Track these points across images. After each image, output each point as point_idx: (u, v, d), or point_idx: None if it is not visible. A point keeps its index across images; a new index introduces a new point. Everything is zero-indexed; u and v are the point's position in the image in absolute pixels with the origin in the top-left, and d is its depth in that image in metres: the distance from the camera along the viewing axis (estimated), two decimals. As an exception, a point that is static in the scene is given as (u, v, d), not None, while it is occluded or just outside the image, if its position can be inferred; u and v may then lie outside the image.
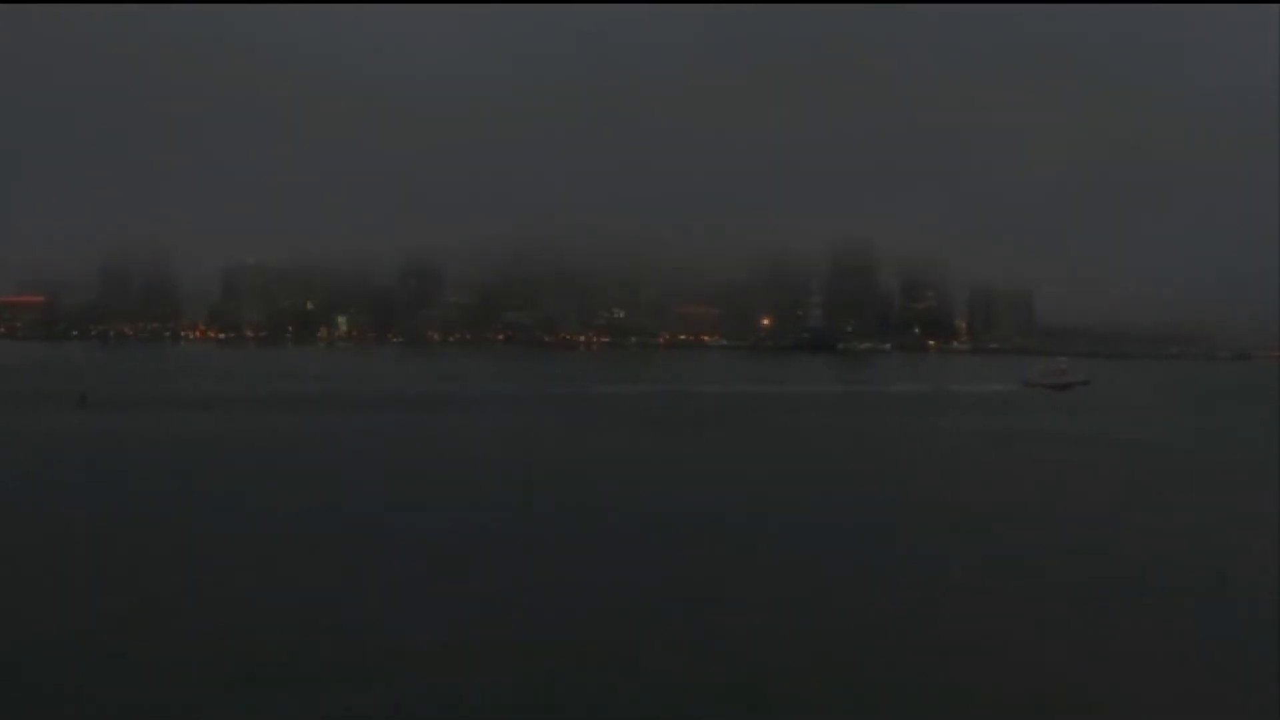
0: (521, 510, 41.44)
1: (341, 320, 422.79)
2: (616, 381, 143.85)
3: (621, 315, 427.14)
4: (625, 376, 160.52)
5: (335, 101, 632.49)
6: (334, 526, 37.59)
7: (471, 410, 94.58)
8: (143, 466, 52.50)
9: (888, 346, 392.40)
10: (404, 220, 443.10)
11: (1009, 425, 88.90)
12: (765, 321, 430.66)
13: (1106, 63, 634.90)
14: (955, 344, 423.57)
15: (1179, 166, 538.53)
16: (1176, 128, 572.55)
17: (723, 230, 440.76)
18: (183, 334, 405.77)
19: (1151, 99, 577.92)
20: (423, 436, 70.95)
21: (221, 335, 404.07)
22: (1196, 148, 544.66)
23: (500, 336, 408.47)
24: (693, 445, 68.65)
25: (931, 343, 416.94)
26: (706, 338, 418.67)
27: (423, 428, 77.58)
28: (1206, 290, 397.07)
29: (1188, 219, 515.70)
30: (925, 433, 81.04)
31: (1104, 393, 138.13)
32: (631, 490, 47.11)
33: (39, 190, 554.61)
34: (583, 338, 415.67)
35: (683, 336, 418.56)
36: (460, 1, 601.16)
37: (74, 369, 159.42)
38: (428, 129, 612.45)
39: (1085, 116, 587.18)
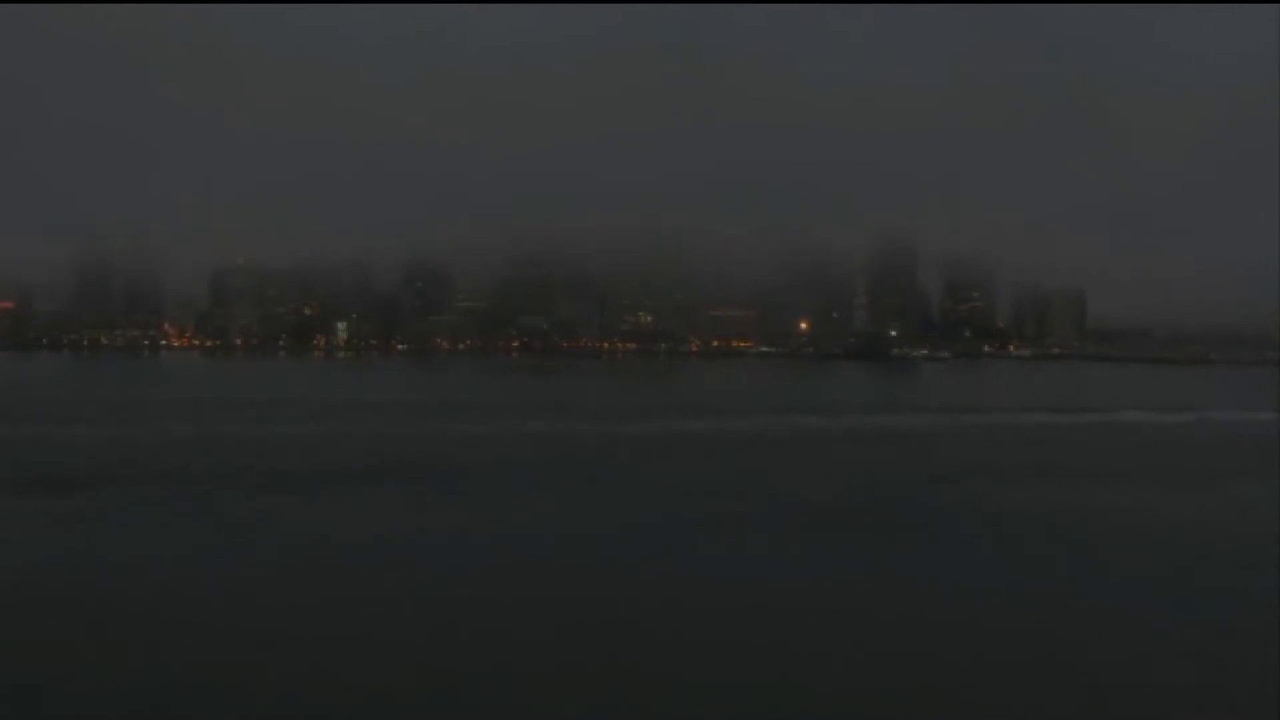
0: None
1: (341, 327, 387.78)
2: (716, 411, 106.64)
3: (648, 319, 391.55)
4: (716, 400, 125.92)
5: (335, 92, 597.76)
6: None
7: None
8: None
9: (945, 354, 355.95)
10: (409, 219, 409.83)
11: None
12: (803, 325, 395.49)
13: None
14: (1012, 349, 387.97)
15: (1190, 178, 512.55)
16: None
17: (756, 226, 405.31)
18: (163, 342, 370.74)
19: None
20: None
21: (207, 344, 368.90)
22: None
23: (515, 344, 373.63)
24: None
25: (986, 348, 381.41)
26: (739, 343, 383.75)
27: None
28: (1218, 290, 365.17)
29: (1202, 222, 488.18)
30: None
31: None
32: None
33: (8, 185, 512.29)
34: (606, 344, 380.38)
35: (715, 342, 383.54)
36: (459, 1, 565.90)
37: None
38: (434, 124, 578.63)
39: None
